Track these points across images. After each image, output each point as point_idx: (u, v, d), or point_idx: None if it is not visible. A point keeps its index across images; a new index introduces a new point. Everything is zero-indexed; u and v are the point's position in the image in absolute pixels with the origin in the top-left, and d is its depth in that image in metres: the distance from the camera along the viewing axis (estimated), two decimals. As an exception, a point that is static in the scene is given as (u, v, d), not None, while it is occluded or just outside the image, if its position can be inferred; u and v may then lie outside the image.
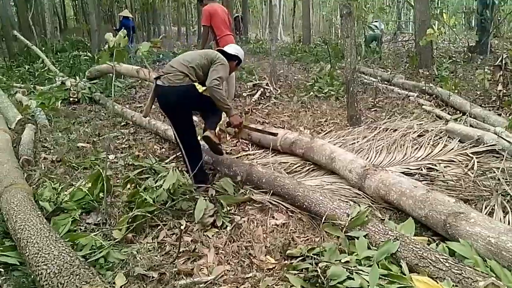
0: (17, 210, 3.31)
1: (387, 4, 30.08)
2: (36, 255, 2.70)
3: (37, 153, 5.52)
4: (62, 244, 2.81)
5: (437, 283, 2.45)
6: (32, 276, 2.72)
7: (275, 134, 5.17)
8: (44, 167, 5.02)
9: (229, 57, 4.56)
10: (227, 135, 5.83)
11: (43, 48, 14.32)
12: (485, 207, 3.71)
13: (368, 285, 2.38)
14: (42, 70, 11.03)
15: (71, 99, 8.43)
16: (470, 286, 2.41)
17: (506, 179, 4.15)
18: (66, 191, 4.13)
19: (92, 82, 9.23)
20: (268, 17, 12.73)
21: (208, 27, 7.53)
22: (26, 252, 2.80)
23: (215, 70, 4.25)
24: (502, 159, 4.48)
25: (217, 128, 4.57)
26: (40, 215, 3.30)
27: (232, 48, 4.72)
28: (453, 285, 2.43)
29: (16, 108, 7.07)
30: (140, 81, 9.96)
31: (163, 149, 5.74)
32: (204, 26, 7.66)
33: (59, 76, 9.67)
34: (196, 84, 4.31)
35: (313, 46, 16.24)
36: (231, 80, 8.04)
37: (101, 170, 3.87)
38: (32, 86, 9.35)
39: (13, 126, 6.32)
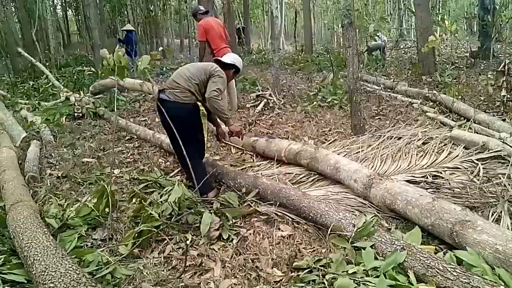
0: (24, 227, 3.31)
1: (389, 12, 30.15)
2: (43, 273, 2.70)
3: (43, 169, 5.54)
4: (69, 261, 2.81)
5: (445, 293, 2.43)
6: (39, 294, 2.72)
7: (273, 138, 5.21)
8: (50, 183, 5.03)
9: (226, 66, 4.60)
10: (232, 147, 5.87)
11: (47, 64, 14.43)
12: (492, 214, 3.69)
13: (376, 297, 2.37)
14: (47, 86, 11.11)
15: (75, 114, 8.48)
16: (479, 295, 2.39)
17: (512, 185, 4.13)
18: (72, 207, 4.13)
19: (96, 97, 9.28)
20: (270, 28, 12.78)
21: (204, 42, 7.60)
22: (33, 270, 2.80)
23: (214, 82, 4.32)
24: (508, 165, 4.46)
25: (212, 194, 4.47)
26: (46, 232, 3.31)
27: (229, 58, 4.74)
28: (461, 295, 2.42)
29: (21, 124, 7.11)
30: (144, 95, 10.00)
31: (168, 163, 5.75)
32: (200, 41, 7.73)
33: (63, 92, 9.72)
34: (199, 104, 4.48)
35: (315, 55, 16.30)
36: (232, 89, 8.10)
37: (105, 186, 3.87)
38: (36, 102, 9.42)
39: (18, 144, 6.35)
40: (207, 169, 4.71)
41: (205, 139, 4.64)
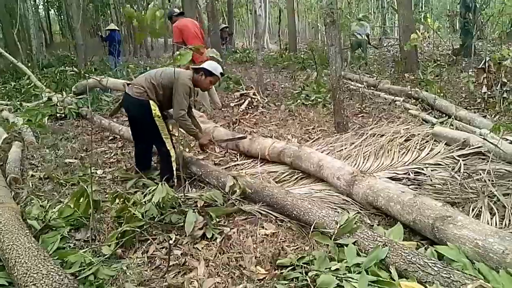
0: (5, 229, 3.28)
1: (372, 10, 30.31)
2: (24, 275, 2.68)
3: (25, 170, 5.48)
4: (51, 263, 2.79)
5: (426, 287, 2.46)
6: (21, 297, 2.70)
7: (243, 137, 5.46)
8: (32, 184, 4.98)
9: (206, 73, 4.79)
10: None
11: (29, 64, 14.25)
12: (472, 210, 3.75)
13: (358, 293, 2.39)
14: (29, 86, 10.97)
15: (58, 115, 8.39)
16: (459, 290, 2.43)
17: (492, 180, 4.19)
18: (54, 208, 4.09)
19: (79, 97, 9.19)
20: (254, 26, 12.79)
21: (180, 43, 7.59)
22: (15, 272, 2.77)
23: (177, 101, 4.59)
24: (488, 161, 4.52)
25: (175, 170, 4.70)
26: (28, 234, 3.28)
27: (208, 65, 4.82)
28: (442, 289, 2.45)
29: (2, 125, 7.03)
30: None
31: (152, 162, 5.72)
32: (176, 42, 7.73)
33: (45, 92, 9.62)
34: (152, 102, 4.61)
35: (299, 54, 16.35)
36: (211, 89, 8.12)
37: (85, 187, 3.85)
38: (18, 103, 9.30)
39: (-1, 145, 6.28)
40: (190, 168, 4.80)
41: (166, 136, 4.74)
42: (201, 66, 4.82)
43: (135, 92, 4.61)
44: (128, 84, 4.82)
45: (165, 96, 4.68)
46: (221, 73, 4.90)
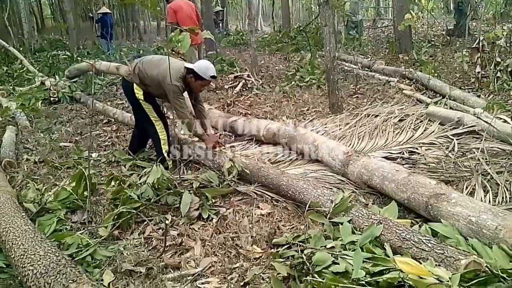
0: (1, 212, 3.29)
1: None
2: (22, 256, 2.69)
3: (19, 154, 5.47)
4: (48, 244, 2.80)
5: (420, 263, 2.49)
6: (19, 278, 2.72)
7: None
8: (27, 168, 4.98)
9: (196, 76, 4.55)
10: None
11: (21, 49, 14.10)
12: (466, 187, 3.77)
13: (353, 269, 2.42)
14: (21, 71, 10.89)
15: (51, 99, 8.34)
16: (452, 265, 2.45)
17: (486, 159, 4.22)
18: (50, 191, 4.10)
19: (72, 81, 9.14)
20: (247, 8, 12.68)
21: (175, 23, 7.53)
22: (12, 254, 2.79)
23: (173, 104, 4.51)
24: (482, 140, 4.54)
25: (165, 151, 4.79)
26: (24, 216, 3.29)
27: (200, 66, 4.56)
28: (435, 265, 2.48)
29: (-5, 110, 6.99)
30: (120, 78, 9.88)
31: (147, 145, 5.72)
32: (170, 23, 7.68)
33: (38, 76, 9.54)
34: (136, 86, 4.67)
35: (293, 35, 16.25)
36: None
37: (83, 169, 3.85)
38: (11, 87, 9.23)
39: (-8, 129, 6.25)
40: (185, 150, 4.87)
41: (155, 119, 4.80)
42: (192, 66, 4.59)
43: (127, 73, 4.79)
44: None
45: (152, 86, 4.63)
46: (212, 76, 4.58)
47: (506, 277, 2.25)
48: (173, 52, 6.75)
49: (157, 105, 4.86)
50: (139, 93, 4.65)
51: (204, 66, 4.55)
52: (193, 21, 7.85)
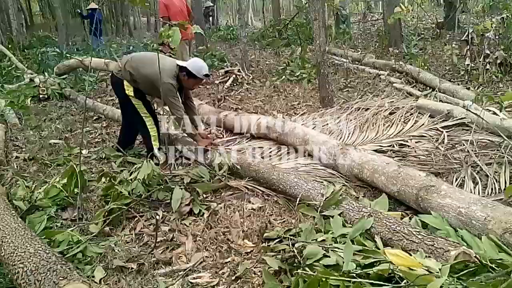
0: (-10, 210, 3.26)
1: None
2: (11, 254, 2.67)
3: (9, 152, 5.43)
4: (38, 242, 2.79)
5: (410, 255, 2.50)
6: (9, 276, 2.70)
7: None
8: (17, 166, 4.94)
9: (189, 74, 4.53)
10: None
11: (9, 46, 13.97)
12: (456, 179, 3.81)
13: (344, 261, 2.42)
14: (10, 68, 10.79)
15: (40, 96, 8.26)
16: (442, 256, 2.47)
17: (475, 150, 4.25)
18: (40, 188, 4.07)
19: (61, 77, 9.07)
20: (238, 3, 12.61)
21: (166, 17, 7.52)
22: (2, 252, 2.76)
23: (167, 103, 4.58)
24: (471, 132, 4.57)
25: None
26: (14, 214, 3.26)
27: (193, 64, 4.55)
28: (426, 256, 2.49)
29: (-16, 108, 6.93)
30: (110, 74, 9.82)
31: (137, 141, 5.70)
32: (162, 18, 7.67)
33: (27, 74, 9.46)
34: (126, 82, 4.64)
35: (283, 30, 16.23)
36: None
37: (74, 166, 3.83)
38: (0, 85, 9.15)
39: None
40: (176, 145, 4.88)
41: (145, 115, 4.78)
42: (185, 65, 4.54)
43: (116, 69, 4.76)
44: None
45: (144, 83, 4.58)
46: (205, 75, 4.57)
47: (495, 267, 2.28)
48: (163, 46, 6.74)
49: (147, 101, 4.82)
50: (129, 89, 4.62)
51: (197, 65, 4.53)
52: (184, 16, 7.84)
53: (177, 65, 4.56)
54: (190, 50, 8.69)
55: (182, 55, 8.01)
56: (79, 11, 17.54)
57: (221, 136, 5.68)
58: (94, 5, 15.03)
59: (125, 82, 4.62)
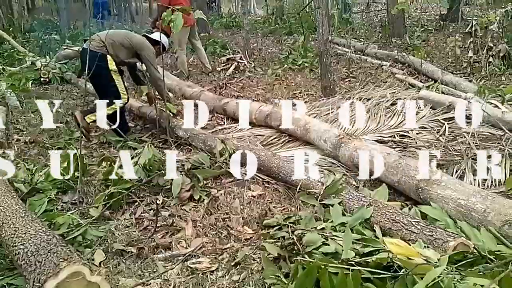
0: (-9, 192, 3.26)
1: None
2: (12, 235, 2.68)
3: (10, 135, 5.43)
4: (39, 224, 2.79)
5: (410, 245, 2.51)
6: (9, 257, 2.71)
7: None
8: (17, 148, 4.95)
9: (154, 42, 5.15)
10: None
11: (11, 29, 13.89)
12: (456, 171, 3.81)
13: (343, 250, 2.43)
14: (11, 51, 10.75)
15: (42, 79, 8.26)
16: (441, 247, 2.48)
17: (476, 143, 4.25)
18: (41, 171, 4.08)
19: (62, 62, 9.04)
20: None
21: (166, 3, 7.41)
22: (2, 233, 2.77)
23: (152, 66, 5.06)
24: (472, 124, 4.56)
25: (89, 120, 4.94)
26: (15, 196, 3.27)
27: (156, 35, 5.19)
28: (424, 246, 2.50)
29: (-15, 90, 6.91)
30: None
31: (138, 126, 5.71)
32: (161, 5, 7.55)
33: (29, 57, 9.43)
34: (109, 57, 4.84)
35: (286, 18, 16.16)
36: (199, 50, 8.31)
37: (75, 149, 3.83)
38: (1, 67, 9.12)
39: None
40: (177, 132, 4.93)
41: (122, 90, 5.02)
42: (156, 38, 5.18)
43: (95, 46, 4.82)
44: (85, 41, 5.20)
45: (124, 56, 5.00)
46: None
47: (493, 259, 2.29)
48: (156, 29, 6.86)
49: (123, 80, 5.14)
50: (112, 64, 4.85)
51: (164, 39, 5.27)
52: (185, 1, 7.77)
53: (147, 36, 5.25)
54: (196, 37, 8.58)
55: (180, 43, 7.98)
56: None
57: (222, 123, 5.68)
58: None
59: (109, 57, 4.82)
